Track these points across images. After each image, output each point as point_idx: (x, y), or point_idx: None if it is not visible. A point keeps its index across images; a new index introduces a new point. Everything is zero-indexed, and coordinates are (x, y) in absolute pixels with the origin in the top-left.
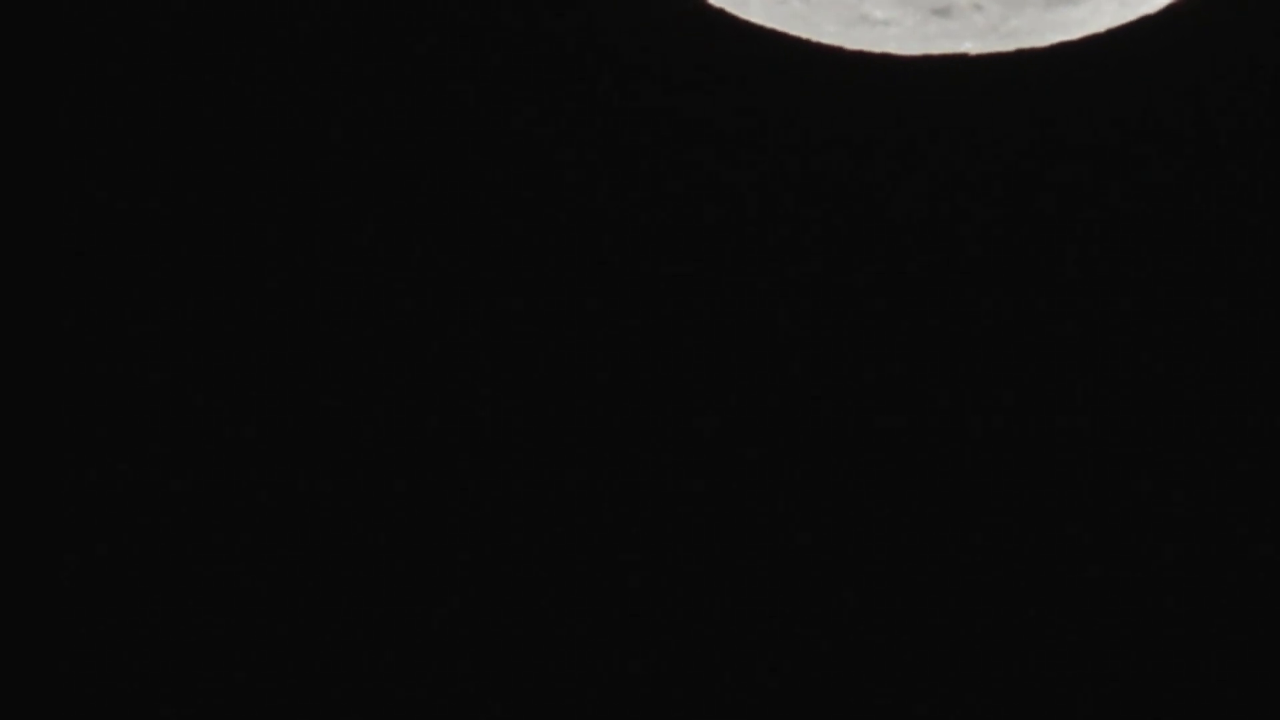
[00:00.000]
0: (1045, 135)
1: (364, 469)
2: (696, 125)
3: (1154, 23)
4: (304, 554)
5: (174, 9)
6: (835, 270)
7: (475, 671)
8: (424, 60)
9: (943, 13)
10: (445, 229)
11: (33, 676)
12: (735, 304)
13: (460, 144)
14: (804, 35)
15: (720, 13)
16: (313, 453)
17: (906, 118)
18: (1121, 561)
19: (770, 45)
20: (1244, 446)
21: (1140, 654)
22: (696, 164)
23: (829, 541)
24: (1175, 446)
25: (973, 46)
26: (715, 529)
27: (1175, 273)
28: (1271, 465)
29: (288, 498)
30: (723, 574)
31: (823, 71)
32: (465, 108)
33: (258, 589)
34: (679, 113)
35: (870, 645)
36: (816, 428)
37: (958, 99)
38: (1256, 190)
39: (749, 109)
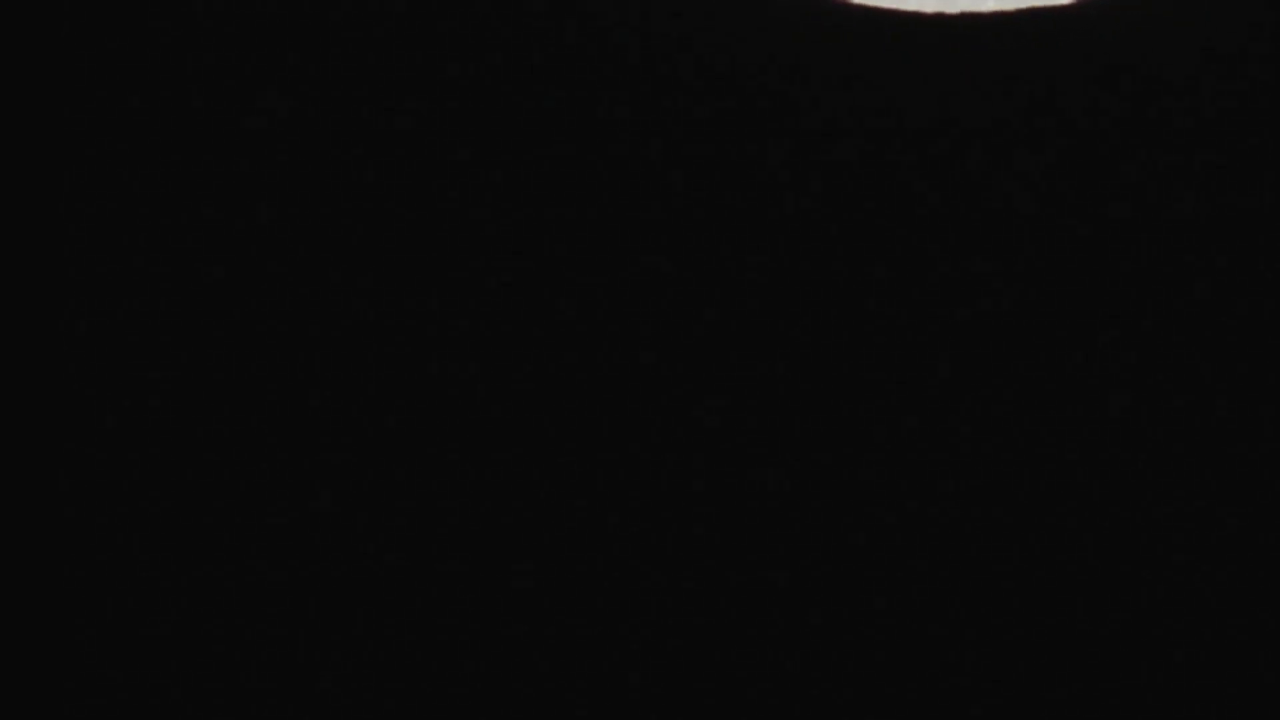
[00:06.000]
0: (1066, 96)
1: (364, 471)
2: (710, 83)
3: None
4: (304, 555)
5: (174, 9)
6: (851, 233)
7: (475, 672)
8: (442, 38)
9: None
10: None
11: (32, 676)
12: (746, 270)
13: (464, 117)
14: None
15: None
16: (313, 454)
17: (924, 76)
18: (1122, 561)
19: (784, 1)
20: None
21: (1141, 654)
22: (710, 125)
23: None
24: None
25: (993, 3)
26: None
27: (1208, 242)
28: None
29: (287, 499)
30: (724, 574)
31: (839, 28)
32: (470, 82)
33: (257, 590)
34: (692, 71)
35: (870, 646)
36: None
37: (977, 57)
38: None
39: (763, 66)
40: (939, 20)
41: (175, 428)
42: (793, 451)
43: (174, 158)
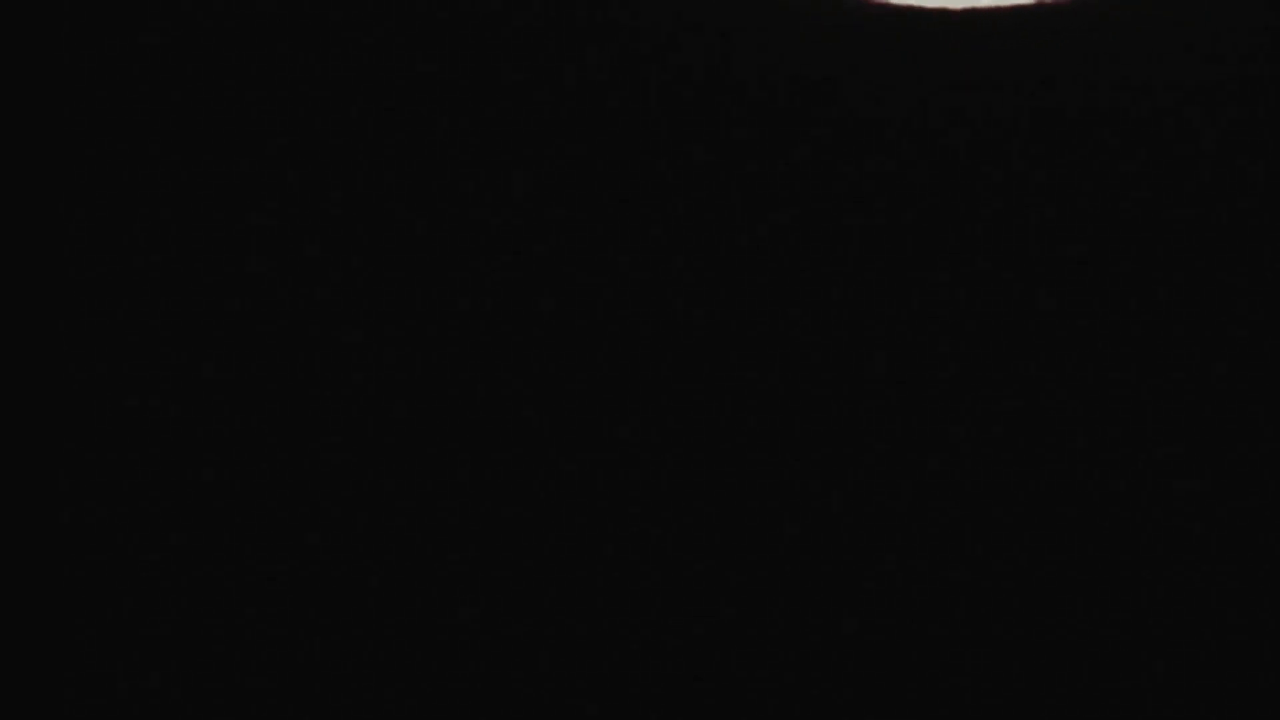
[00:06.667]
0: (1073, 90)
1: (364, 470)
2: (723, 82)
3: None
4: (304, 555)
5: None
6: (864, 231)
7: (475, 672)
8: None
9: None
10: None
11: (33, 676)
12: (757, 269)
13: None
14: None
15: None
16: (313, 454)
17: (928, 71)
18: (1122, 561)
19: None
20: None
21: (1140, 654)
22: (723, 122)
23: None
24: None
25: None
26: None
27: (1214, 239)
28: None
29: (287, 500)
30: (727, 572)
31: (846, 24)
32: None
33: (257, 590)
34: (704, 70)
35: (871, 646)
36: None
37: (983, 52)
38: None
39: (778, 64)
40: (945, 15)
41: (175, 428)
42: (796, 451)
43: (174, 157)
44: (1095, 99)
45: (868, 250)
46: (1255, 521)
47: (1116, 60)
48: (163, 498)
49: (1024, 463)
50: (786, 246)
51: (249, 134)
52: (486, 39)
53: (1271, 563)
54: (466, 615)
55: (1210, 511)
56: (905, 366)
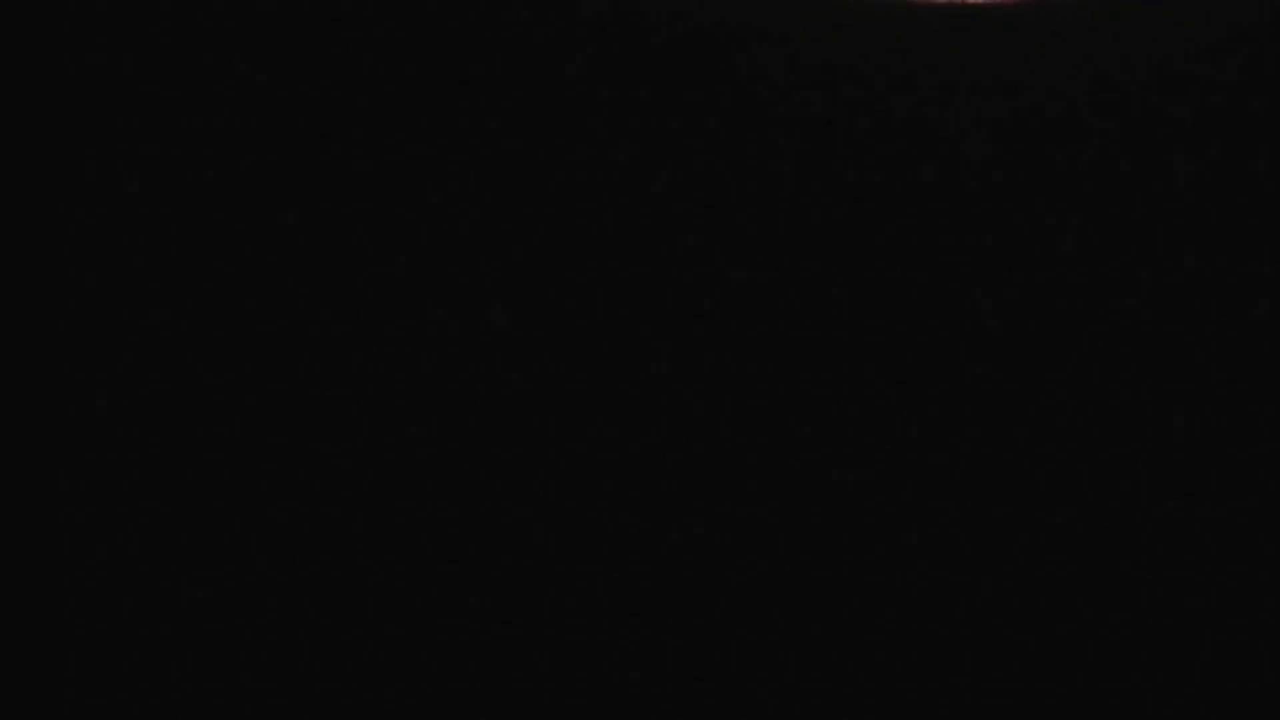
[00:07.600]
0: (1074, 86)
1: (364, 471)
2: (726, 79)
3: None
4: (304, 555)
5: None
6: (862, 232)
7: (475, 672)
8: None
9: None
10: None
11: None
12: (760, 269)
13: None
14: None
15: None
16: (313, 455)
17: (935, 67)
18: (1121, 562)
19: None
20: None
21: (1140, 654)
22: (724, 120)
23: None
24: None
25: None
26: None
27: (1211, 239)
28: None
29: (287, 500)
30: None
31: (854, 21)
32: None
33: (257, 590)
34: (707, 69)
35: (870, 646)
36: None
37: (975, 47)
38: None
39: (781, 61)
40: (949, 10)
41: (175, 428)
42: (797, 452)
43: (174, 154)
44: (1102, 96)
45: (869, 247)
46: (1255, 520)
47: (1121, 57)
48: (162, 497)
49: (1024, 462)
50: (787, 244)
51: (249, 134)
52: (490, 38)
53: (1272, 563)
54: (466, 615)
55: (1210, 511)
56: (904, 364)
